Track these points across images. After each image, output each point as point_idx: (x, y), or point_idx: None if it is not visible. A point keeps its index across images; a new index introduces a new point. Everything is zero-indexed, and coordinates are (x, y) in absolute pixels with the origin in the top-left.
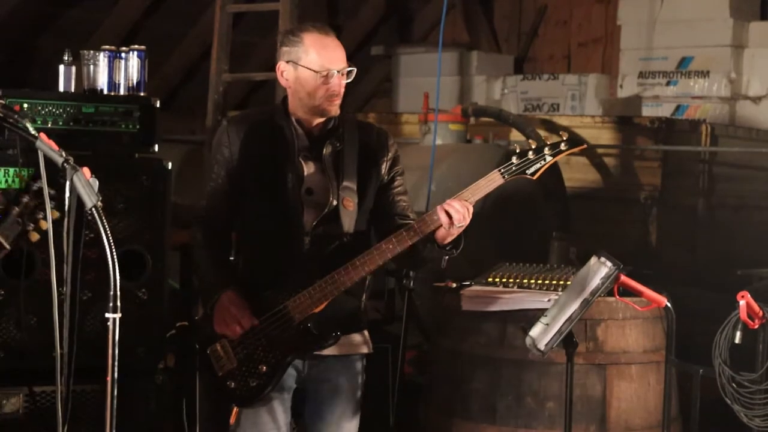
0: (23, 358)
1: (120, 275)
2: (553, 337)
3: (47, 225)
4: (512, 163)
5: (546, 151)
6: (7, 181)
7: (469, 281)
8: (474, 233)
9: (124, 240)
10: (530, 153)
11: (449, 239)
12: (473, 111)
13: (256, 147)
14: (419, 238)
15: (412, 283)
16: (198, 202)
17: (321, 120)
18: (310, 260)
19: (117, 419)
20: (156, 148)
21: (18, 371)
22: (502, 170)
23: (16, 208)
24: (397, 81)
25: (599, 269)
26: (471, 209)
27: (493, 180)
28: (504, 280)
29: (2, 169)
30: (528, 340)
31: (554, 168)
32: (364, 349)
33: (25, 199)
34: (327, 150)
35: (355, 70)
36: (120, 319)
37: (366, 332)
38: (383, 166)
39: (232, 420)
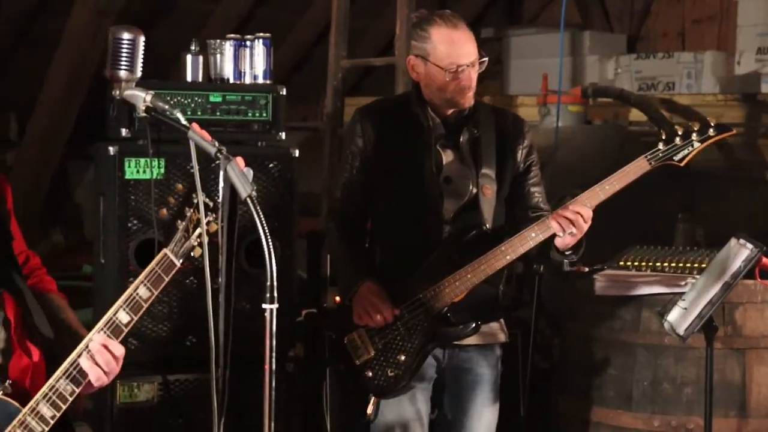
0: (157, 347)
1: (249, 264)
2: (693, 322)
3: (204, 235)
4: (659, 150)
5: (693, 137)
6: (138, 171)
7: (600, 265)
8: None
9: (253, 228)
10: (677, 139)
11: (567, 246)
12: (593, 92)
13: (391, 136)
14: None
15: (542, 268)
16: (313, 188)
17: (456, 109)
18: (450, 249)
19: (245, 407)
20: (283, 135)
21: (152, 360)
22: (649, 156)
23: (182, 222)
24: (508, 63)
25: (740, 252)
26: (588, 214)
27: (641, 167)
28: (636, 263)
29: (133, 159)
30: (666, 325)
31: None
32: (502, 338)
33: (189, 213)
34: (464, 137)
35: (487, 60)
36: (250, 308)
37: (502, 320)
38: (519, 154)
39: (369, 409)
